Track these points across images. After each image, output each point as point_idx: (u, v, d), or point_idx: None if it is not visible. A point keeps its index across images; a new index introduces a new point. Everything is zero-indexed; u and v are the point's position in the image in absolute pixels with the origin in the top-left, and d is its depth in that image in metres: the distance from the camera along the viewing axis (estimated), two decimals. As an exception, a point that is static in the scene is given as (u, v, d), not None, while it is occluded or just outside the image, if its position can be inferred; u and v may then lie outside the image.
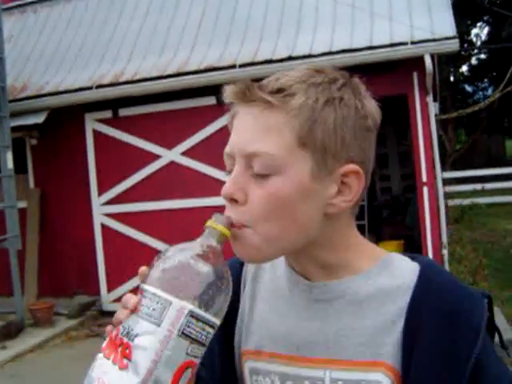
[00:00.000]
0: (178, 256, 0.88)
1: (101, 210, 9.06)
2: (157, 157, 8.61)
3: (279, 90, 0.91)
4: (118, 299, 8.92)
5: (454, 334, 0.89)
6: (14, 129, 8.81)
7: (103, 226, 9.09)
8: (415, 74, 7.74)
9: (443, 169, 11.89)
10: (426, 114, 7.84)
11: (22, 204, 9.14)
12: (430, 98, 7.89)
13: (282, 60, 7.85)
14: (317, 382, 0.96)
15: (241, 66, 8.02)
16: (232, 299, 0.92)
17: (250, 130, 0.93)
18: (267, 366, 1.02)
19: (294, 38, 8.20)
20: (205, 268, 0.86)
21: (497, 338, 0.97)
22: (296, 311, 1.01)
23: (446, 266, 7.95)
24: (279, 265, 1.06)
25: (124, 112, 8.86)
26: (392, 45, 7.49)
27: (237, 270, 1.11)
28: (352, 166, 0.92)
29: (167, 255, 0.89)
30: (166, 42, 9.04)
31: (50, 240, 9.44)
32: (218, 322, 0.87)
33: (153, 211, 8.70)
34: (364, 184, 0.95)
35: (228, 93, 0.95)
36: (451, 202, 15.47)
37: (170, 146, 8.50)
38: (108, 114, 8.96)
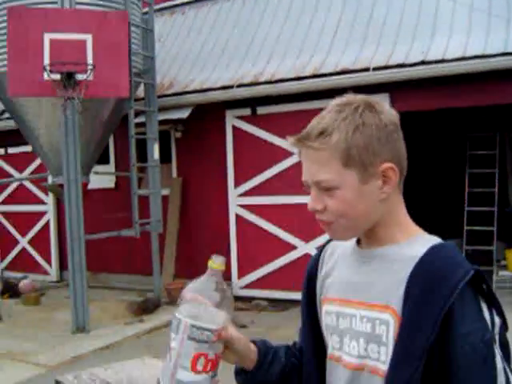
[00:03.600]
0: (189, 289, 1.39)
1: (236, 201, 9.63)
2: (290, 154, 9.01)
3: (321, 134, 1.33)
4: (248, 285, 9.50)
5: (434, 291, 1.24)
6: (161, 122, 9.60)
7: (237, 216, 9.64)
8: (552, 82, 7.68)
9: None
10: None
11: (165, 191, 9.91)
12: None
13: (414, 64, 8.02)
14: (352, 317, 1.39)
15: (374, 69, 8.26)
16: (313, 272, 1.56)
17: (311, 166, 1.38)
18: (330, 308, 1.48)
19: (429, 42, 8.32)
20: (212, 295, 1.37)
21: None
22: (350, 269, 1.45)
23: None
24: (350, 241, 1.49)
25: (262, 110, 9.38)
26: (527, 52, 7.47)
27: (316, 256, 1.60)
28: (385, 165, 1.32)
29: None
30: (303, 44, 9.43)
31: (188, 226, 10.15)
32: (214, 327, 1.33)
33: (284, 205, 9.12)
34: (399, 172, 1.35)
35: (289, 143, 1.44)
36: None
37: (303, 143, 8.84)
38: (247, 111, 9.51)
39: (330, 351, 1.47)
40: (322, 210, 1.37)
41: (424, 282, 1.26)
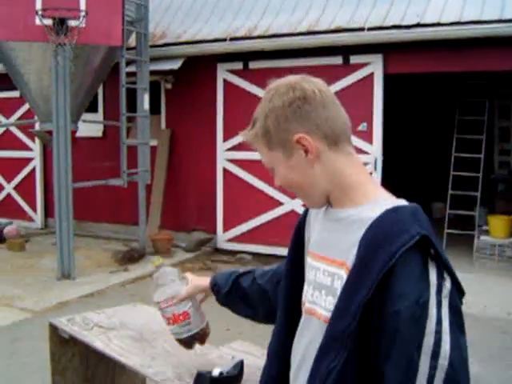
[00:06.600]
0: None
1: (224, 155, 9.64)
2: (280, 110, 9.02)
3: (253, 123, 1.52)
4: (232, 239, 9.58)
5: (377, 253, 1.31)
6: (151, 73, 9.51)
7: (225, 170, 9.68)
8: (544, 49, 7.69)
9: None
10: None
11: (153, 142, 9.89)
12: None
13: (410, 26, 7.99)
14: (317, 270, 1.53)
15: (369, 29, 8.22)
16: (301, 225, 1.71)
17: None
18: (307, 260, 1.62)
19: (425, 5, 8.27)
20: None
21: None
22: (321, 226, 1.58)
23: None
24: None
25: (254, 65, 9.32)
26: (523, 18, 7.45)
27: (305, 212, 1.74)
28: (296, 136, 1.46)
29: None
30: (299, 0, 9.36)
31: (175, 178, 10.17)
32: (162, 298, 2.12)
33: (271, 161, 9.12)
34: (324, 137, 1.46)
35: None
36: None
37: (294, 100, 8.81)
38: (239, 65, 9.45)
39: (302, 299, 1.62)
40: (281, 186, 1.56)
41: (370, 244, 1.34)
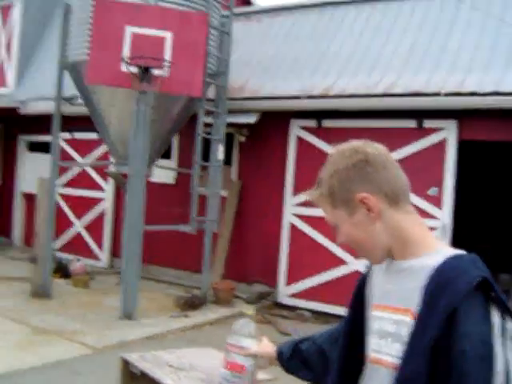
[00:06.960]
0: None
1: (292, 210, 9.71)
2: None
3: (318, 183, 1.66)
4: (293, 294, 9.56)
5: (441, 296, 1.40)
6: (228, 125, 9.74)
7: (292, 225, 9.72)
8: None
9: None
10: None
11: (223, 192, 10.05)
12: None
13: (487, 94, 7.98)
14: (381, 320, 1.60)
15: (446, 94, 8.24)
16: (362, 285, 1.79)
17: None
18: (371, 313, 1.69)
19: (503, 72, 8.26)
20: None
21: None
22: (383, 279, 1.66)
23: None
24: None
25: (327, 123, 9.45)
26: None
27: (365, 273, 1.83)
28: (358, 196, 1.57)
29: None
30: (376, 62, 9.46)
31: (241, 228, 10.29)
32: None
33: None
34: (385, 196, 1.58)
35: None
36: None
37: (364, 161, 8.85)
38: (312, 123, 9.60)
39: (366, 351, 1.68)
40: (343, 243, 1.67)
41: (434, 288, 1.43)
